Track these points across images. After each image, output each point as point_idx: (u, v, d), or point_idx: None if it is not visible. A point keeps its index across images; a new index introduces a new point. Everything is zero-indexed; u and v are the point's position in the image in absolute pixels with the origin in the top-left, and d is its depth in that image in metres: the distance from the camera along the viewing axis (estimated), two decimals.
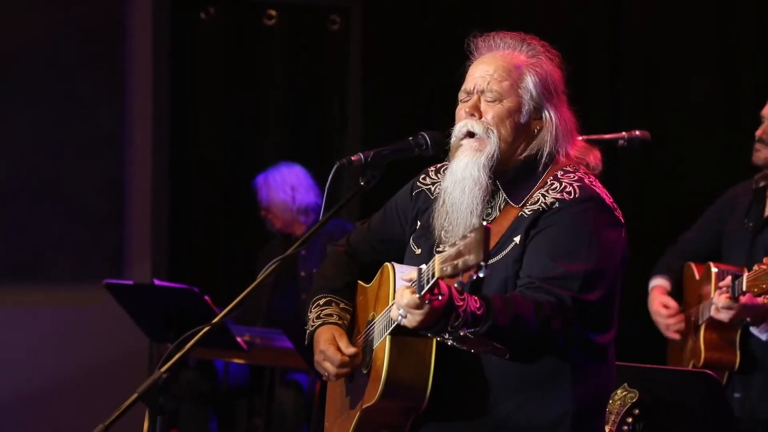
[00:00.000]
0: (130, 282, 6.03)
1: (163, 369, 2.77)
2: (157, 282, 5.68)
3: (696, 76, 6.70)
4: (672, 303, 4.75)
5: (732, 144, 6.52)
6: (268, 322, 5.94)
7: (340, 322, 3.21)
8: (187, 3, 7.24)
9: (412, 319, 2.74)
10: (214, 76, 7.29)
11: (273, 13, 7.31)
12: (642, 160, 6.42)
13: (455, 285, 2.69)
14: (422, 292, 2.68)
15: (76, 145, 6.92)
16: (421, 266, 2.73)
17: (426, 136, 3.09)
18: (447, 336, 2.82)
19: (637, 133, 4.08)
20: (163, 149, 7.16)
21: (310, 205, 6.24)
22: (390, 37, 7.10)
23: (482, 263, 2.54)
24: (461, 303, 2.75)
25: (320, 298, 3.26)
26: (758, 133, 4.55)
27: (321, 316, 3.22)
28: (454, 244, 2.62)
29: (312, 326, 3.22)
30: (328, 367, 3.13)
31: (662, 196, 6.73)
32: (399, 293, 2.75)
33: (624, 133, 4.08)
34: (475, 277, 2.58)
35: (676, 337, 4.73)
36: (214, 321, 2.92)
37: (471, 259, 2.56)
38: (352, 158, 3.04)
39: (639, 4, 6.81)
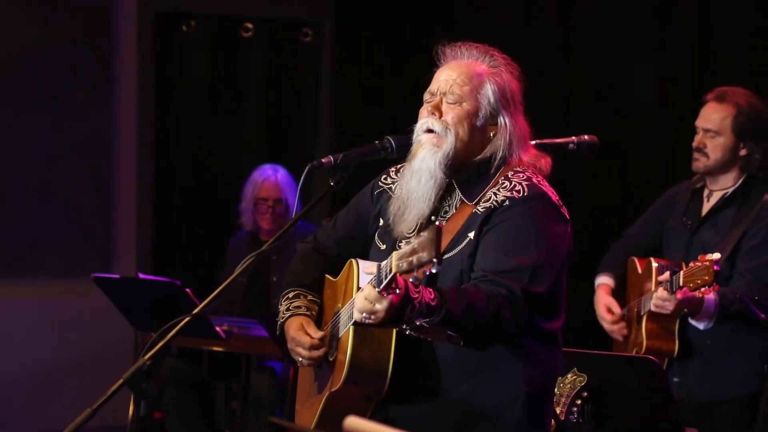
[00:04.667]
0: (116, 275, 5.98)
1: (147, 356, 2.75)
2: (141, 275, 5.63)
3: (640, 86, 6.72)
4: (616, 308, 4.73)
5: (672, 147, 6.54)
6: (242, 315, 5.89)
7: (308, 313, 3.20)
8: (170, 16, 7.21)
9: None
10: (195, 83, 7.26)
11: (249, 26, 7.29)
12: (591, 162, 6.43)
13: (411, 280, 2.70)
14: (380, 287, 2.70)
15: (68, 146, 6.88)
16: (380, 263, 2.74)
17: (391, 140, 3.10)
18: (405, 326, 2.83)
19: (586, 137, 4.07)
20: (148, 151, 7.13)
21: (292, 208, 6.05)
22: (358, 49, 7.10)
23: (434, 260, 2.56)
24: (417, 295, 2.76)
25: (289, 292, 3.25)
26: (695, 144, 4.58)
27: (290, 308, 3.22)
28: (409, 242, 2.64)
29: (282, 318, 3.22)
30: (301, 352, 3.13)
31: (609, 196, 6.75)
32: (362, 291, 2.78)
33: (574, 137, 4.07)
34: (428, 273, 2.60)
35: (620, 339, 4.74)
36: (194, 312, 2.91)
37: (424, 256, 2.57)
38: (323, 160, 3.05)
39: (589, 19, 6.82)
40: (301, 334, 3.13)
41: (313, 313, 3.22)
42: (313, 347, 3.11)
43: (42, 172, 6.84)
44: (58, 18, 6.82)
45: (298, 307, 3.21)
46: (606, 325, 4.76)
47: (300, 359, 3.16)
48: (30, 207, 6.82)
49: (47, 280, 6.88)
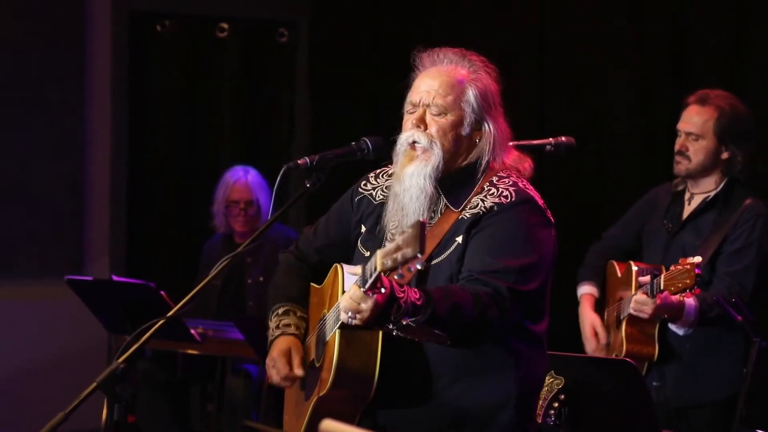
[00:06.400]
0: (89, 278, 5.94)
1: (121, 360, 2.73)
2: (115, 278, 5.61)
3: (616, 88, 6.74)
4: (602, 335, 4.66)
5: (650, 149, 6.56)
6: (217, 317, 5.87)
7: (297, 332, 3.20)
8: (144, 16, 7.19)
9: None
10: (170, 84, 7.24)
11: (225, 26, 7.27)
12: (568, 164, 6.44)
13: (396, 277, 2.69)
14: (366, 286, 2.69)
15: (40, 147, 6.85)
16: (365, 263, 2.74)
17: (368, 141, 3.09)
18: (391, 326, 2.82)
19: (563, 139, 4.07)
20: (122, 152, 7.10)
21: (266, 210, 6.01)
22: (334, 50, 7.09)
23: (419, 255, 2.56)
24: (402, 294, 2.76)
25: (279, 308, 3.24)
26: (677, 147, 4.57)
27: (280, 326, 3.21)
28: (393, 240, 2.64)
29: (272, 336, 3.21)
30: (273, 375, 3.15)
31: (586, 197, 6.76)
32: (347, 292, 2.77)
33: (551, 139, 4.06)
34: (413, 269, 2.59)
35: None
36: (168, 314, 2.89)
37: (409, 252, 2.57)
38: (299, 162, 3.04)
39: (564, 22, 6.83)
40: (283, 360, 3.13)
41: (302, 330, 3.22)
42: (287, 378, 3.13)
43: (14, 173, 6.81)
44: (30, 17, 6.78)
45: (288, 325, 3.20)
46: (588, 348, 4.72)
47: (269, 378, 3.19)
48: (2, 208, 6.79)
49: (20, 283, 6.84)
